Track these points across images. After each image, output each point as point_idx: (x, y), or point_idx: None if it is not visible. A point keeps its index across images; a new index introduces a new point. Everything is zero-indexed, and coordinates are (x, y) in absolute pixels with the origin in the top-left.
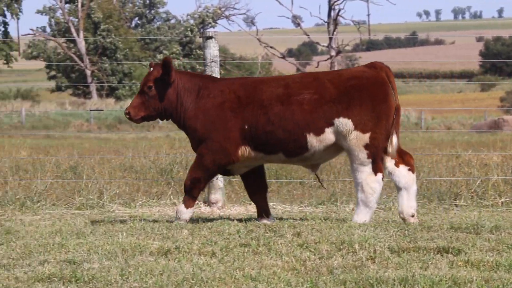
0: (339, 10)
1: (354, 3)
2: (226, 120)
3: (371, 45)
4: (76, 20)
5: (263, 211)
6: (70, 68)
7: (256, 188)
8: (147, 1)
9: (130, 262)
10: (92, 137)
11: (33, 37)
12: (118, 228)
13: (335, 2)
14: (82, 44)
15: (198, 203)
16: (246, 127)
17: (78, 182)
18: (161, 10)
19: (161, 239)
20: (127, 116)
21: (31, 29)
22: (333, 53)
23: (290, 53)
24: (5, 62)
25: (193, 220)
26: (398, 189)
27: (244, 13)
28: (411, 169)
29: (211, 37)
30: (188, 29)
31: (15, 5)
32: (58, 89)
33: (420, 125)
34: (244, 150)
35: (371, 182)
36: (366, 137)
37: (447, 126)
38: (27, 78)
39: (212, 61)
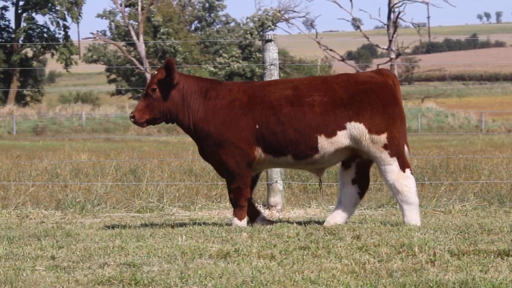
0: (399, 13)
1: (414, 6)
2: (237, 119)
3: (431, 48)
4: (136, 23)
5: (254, 215)
6: (130, 72)
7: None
8: (207, 4)
9: (190, 265)
10: (151, 140)
11: (93, 41)
12: (178, 231)
13: (395, 4)
14: (142, 48)
15: (257, 206)
16: (257, 126)
17: (138, 185)
18: (220, 13)
19: (221, 242)
20: (132, 119)
21: (92, 33)
22: (392, 55)
23: (350, 55)
24: (65, 66)
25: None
26: (338, 202)
27: (303, 16)
28: (361, 194)
29: (270, 40)
30: (248, 32)
31: (76, 9)
32: (118, 92)
33: (480, 128)
34: (257, 151)
35: (403, 180)
36: (383, 138)
37: (507, 129)
38: (87, 82)
39: (272, 64)
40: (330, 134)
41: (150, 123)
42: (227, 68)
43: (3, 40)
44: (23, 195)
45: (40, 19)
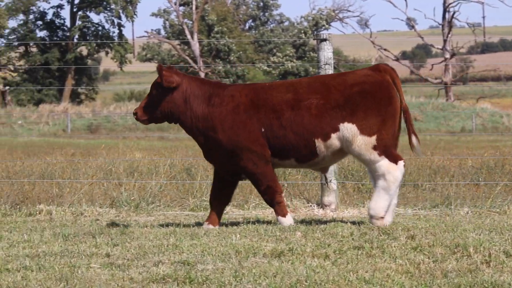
0: (454, 12)
1: (469, 5)
2: (244, 122)
3: (486, 48)
4: (191, 22)
5: (213, 219)
6: (184, 70)
7: (221, 197)
8: (261, 4)
9: (244, 263)
10: None
11: (148, 40)
12: (232, 230)
13: (450, 4)
14: (196, 47)
15: (311, 205)
16: (263, 129)
17: (191, 183)
18: (274, 12)
19: (275, 241)
20: (135, 116)
21: (146, 32)
22: (447, 55)
23: (404, 55)
24: (120, 64)
25: (306, 222)
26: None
27: (358, 15)
28: None
29: (325, 40)
30: (302, 31)
31: (130, 8)
32: None
33: None
34: (268, 150)
35: (393, 171)
36: (373, 139)
37: None
38: (141, 80)
39: (326, 64)
40: (326, 137)
41: (152, 121)
42: (281, 67)
43: (58, 39)
44: (78, 193)
45: (95, 17)
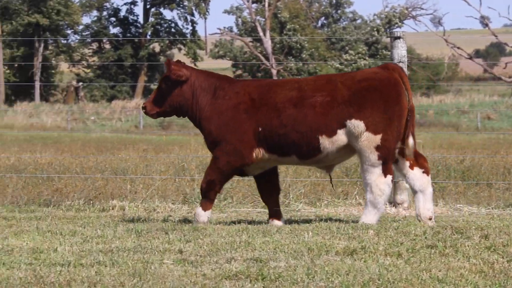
0: None
1: None
2: (240, 122)
3: None
4: (263, 19)
5: (274, 214)
6: (256, 68)
7: (269, 190)
8: (334, 1)
9: (316, 261)
10: None
11: (220, 36)
12: (304, 228)
13: None
14: (268, 44)
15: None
16: (260, 129)
17: None
18: (347, 10)
19: (347, 239)
20: (143, 110)
21: (218, 29)
22: None
23: (477, 54)
24: (192, 60)
25: (379, 221)
26: (414, 192)
27: (431, 13)
28: (426, 172)
29: (399, 37)
30: (375, 29)
31: (203, 5)
32: None
33: None
34: (259, 152)
35: (381, 184)
36: (377, 138)
37: None
38: None
39: (400, 62)
40: (331, 133)
41: (161, 115)
42: (353, 65)
43: (131, 35)
44: (151, 189)
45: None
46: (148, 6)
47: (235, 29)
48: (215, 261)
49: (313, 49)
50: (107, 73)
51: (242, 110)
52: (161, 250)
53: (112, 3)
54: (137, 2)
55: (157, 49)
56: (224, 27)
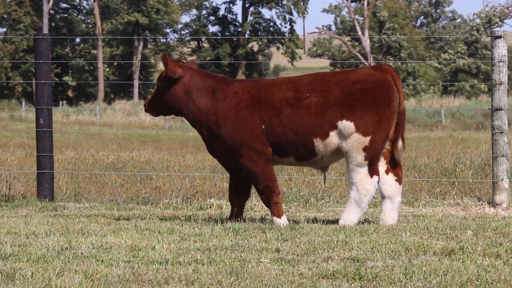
0: None
1: None
2: (245, 119)
3: None
4: (362, 18)
5: (236, 216)
6: (354, 67)
7: (240, 194)
8: (433, 0)
9: (414, 261)
10: None
11: (318, 35)
12: (402, 227)
13: None
14: (366, 43)
15: (482, 204)
16: (263, 127)
17: None
18: (447, 9)
19: (445, 239)
20: (144, 108)
21: (317, 27)
22: None
23: None
24: (290, 59)
25: (477, 221)
26: (383, 197)
27: None
28: (399, 180)
29: (500, 37)
30: (474, 28)
31: (302, 4)
32: None
33: None
34: (269, 148)
35: (366, 184)
36: (366, 140)
37: None
38: None
39: (500, 61)
40: (324, 136)
41: (160, 113)
42: (452, 64)
43: (230, 34)
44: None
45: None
46: (247, 5)
47: (333, 28)
48: (312, 260)
49: (411, 48)
50: None
51: (244, 108)
52: (258, 248)
53: (211, 2)
54: (236, 1)
55: (255, 48)
56: (323, 26)
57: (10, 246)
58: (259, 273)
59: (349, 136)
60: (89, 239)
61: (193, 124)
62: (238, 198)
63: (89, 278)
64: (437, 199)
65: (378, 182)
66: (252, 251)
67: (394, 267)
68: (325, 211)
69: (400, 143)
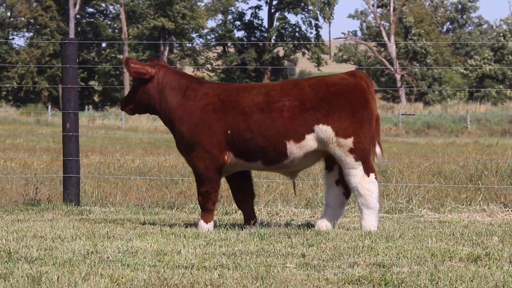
0: None
1: None
2: (210, 123)
3: None
4: (388, 24)
5: (249, 218)
6: (380, 72)
7: (244, 196)
8: (459, 6)
9: (440, 267)
10: (399, 141)
11: (344, 41)
12: (427, 233)
13: None
14: (392, 49)
15: (508, 210)
16: (229, 131)
17: (386, 185)
18: (473, 15)
19: (471, 245)
20: (120, 106)
21: (343, 33)
22: None
23: None
24: (316, 65)
25: (504, 227)
26: (326, 204)
27: None
28: (346, 194)
29: None
30: (501, 34)
31: (328, 9)
32: None
33: None
34: (227, 156)
35: (366, 184)
36: (349, 142)
37: None
38: None
39: None
40: (299, 138)
41: (135, 111)
42: (478, 70)
43: (256, 39)
44: (274, 193)
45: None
46: (272, 10)
47: (359, 34)
48: (337, 265)
49: (437, 54)
50: (231, 76)
51: (211, 111)
52: (284, 253)
53: (237, 7)
54: (261, 6)
55: (281, 53)
56: (349, 32)
57: (36, 250)
58: (284, 278)
59: (329, 140)
60: (114, 243)
61: (164, 122)
62: (244, 200)
63: (115, 282)
64: (463, 205)
65: (376, 178)
66: (278, 256)
67: (420, 273)
68: (351, 217)
69: (378, 149)
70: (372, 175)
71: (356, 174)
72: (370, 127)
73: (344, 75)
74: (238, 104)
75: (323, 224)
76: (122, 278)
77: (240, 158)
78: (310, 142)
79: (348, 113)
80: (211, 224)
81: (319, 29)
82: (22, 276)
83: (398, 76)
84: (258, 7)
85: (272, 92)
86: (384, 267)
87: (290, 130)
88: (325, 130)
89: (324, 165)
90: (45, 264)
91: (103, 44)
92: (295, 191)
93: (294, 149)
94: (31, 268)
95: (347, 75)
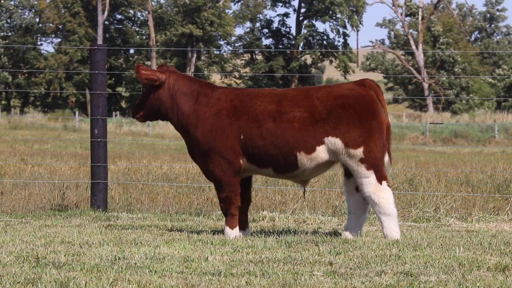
0: None
1: None
2: (223, 128)
3: None
4: (416, 32)
5: (241, 223)
6: (407, 81)
7: (241, 201)
8: (488, 15)
9: (467, 276)
10: (427, 150)
11: (372, 49)
12: (455, 242)
13: None
14: (420, 57)
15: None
16: (242, 137)
17: (414, 194)
18: (501, 24)
19: (499, 254)
20: (131, 114)
21: (370, 41)
22: None
23: None
24: (343, 73)
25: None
26: (348, 211)
27: None
28: (366, 200)
29: None
30: None
31: (356, 17)
32: (395, 101)
33: None
34: (242, 160)
35: (379, 192)
36: (359, 152)
37: None
38: None
39: None
40: (310, 150)
41: (146, 118)
42: (506, 79)
43: (283, 47)
44: (300, 200)
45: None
46: (300, 18)
47: (387, 42)
48: (365, 274)
49: (465, 63)
50: (258, 84)
51: (225, 116)
52: (311, 261)
53: (265, 15)
54: (289, 14)
55: (309, 61)
56: (376, 40)
57: (64, 255)
58: (312, 286)
59: (340, 151)
60: (142, 249)
61: (177, 129)
62: (241, 206)
63: None
64: (490, 214)
65: (388, 185)
66: (305, 264)
67: (448, 282)
68: (378, 225)
69: (386, 157)
70: (384, 182)
71: (369, 183)
72: (381, 136)
73: (352, 85)
74: (251, 110)
75: (349, 233)
76: (150, 284)
77: (252, 163)
78: (321, 154)
79: (357, 124)
80: (236, 230)
81: (346, 37)
82: (50, 282)
83: (425, 85)
84: (286, 14)
85: (284, 101)
86: (411, 276)
87: (300, 142)
88: (334, 142)
89: (343, 172)
90: (73, 269)
91: (131, 51)
92: (304, 196)
93: (305, 160)
94: (59, 274)
95: (356, 84)
